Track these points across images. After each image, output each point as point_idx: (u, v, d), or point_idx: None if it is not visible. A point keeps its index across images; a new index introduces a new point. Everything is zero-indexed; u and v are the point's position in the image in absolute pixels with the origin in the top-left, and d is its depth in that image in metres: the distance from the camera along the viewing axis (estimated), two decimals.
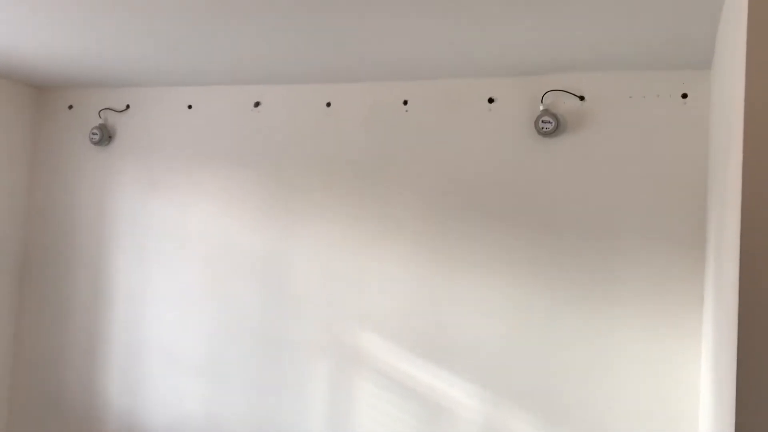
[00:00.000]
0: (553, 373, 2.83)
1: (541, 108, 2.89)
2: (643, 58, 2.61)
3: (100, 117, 3.80)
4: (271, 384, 3.34)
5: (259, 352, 3.37)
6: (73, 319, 3.82)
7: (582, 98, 2.87)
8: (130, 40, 2.77)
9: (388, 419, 3.10)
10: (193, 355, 3.53)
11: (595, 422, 2.76)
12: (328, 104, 3.31)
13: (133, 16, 2.43)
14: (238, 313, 3.43)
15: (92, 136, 3.73)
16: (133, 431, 3.63)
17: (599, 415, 2.75)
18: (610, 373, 2.75)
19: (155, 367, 3.61)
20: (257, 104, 3.46)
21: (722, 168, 1.88)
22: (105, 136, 3.73)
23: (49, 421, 3.83)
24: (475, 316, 2.97)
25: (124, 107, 3.76)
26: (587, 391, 2.78)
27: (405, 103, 3.17)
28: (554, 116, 2.84)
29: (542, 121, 2.85)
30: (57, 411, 3.82)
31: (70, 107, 3.90)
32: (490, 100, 3.02)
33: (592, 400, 2.77)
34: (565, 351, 2.82)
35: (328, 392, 3.23)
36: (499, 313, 2.94)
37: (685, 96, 2.73)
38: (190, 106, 3.61)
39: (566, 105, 2.88)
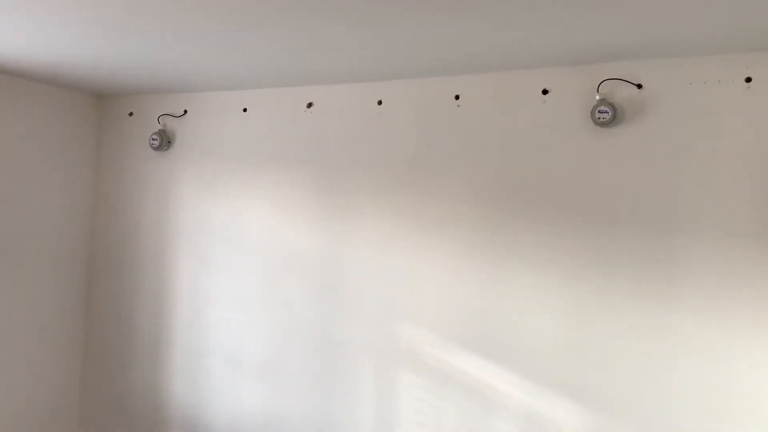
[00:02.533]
0: (615, 372, 2.76)
1: (598, 98, 2.83)
2: (703, 41, 2.52)
3: (159, 123, 3.91)
4: (327, 383, 3.37)
5: (316, 352, 3.41)
6: (137, 320, 3.94)
7: (639, 86, 2.79)
8: (185, 48, 2.84)
9: (442, 416, 3.08)
10: (252, 356, 3.59)
11: (665, 423, 2.67)
12: (380, 102, 3.31)
13: (188, 25, 2.49)
14: (295, 314, 3.47)
15: (152, 141, 3.84)
16: (197, 429, 3.72)
17: (667, 415, 2.67)
18: (679, 372, 2.66)
19: (217, 367, 3.69)
20: (310, 105, 3.50)
21: None
22: (164, 141, 3.83)
23: (117, 418, 3.97)
24: (532, 312, 2.93)
25: (182, 112, 3.86)
26: (654, 391, 2.70)
27: (456, 97, 3.15)
28: (611, 106, 2.78)
29: (599, 111, 2.79)
30: (124, 410, 3.95)
31: (131, 114, 4.03)
32: (545, 92, 2.97)
33: (659, 399, 2.69)
34: (628, 349, 2.74)
35: (382, 390, 3.24)
36: (556, 310, 2.89)
37: (749, 80, 2.62)
38: (245, 109, 3.67)
39: (623, 94, 2.81)
